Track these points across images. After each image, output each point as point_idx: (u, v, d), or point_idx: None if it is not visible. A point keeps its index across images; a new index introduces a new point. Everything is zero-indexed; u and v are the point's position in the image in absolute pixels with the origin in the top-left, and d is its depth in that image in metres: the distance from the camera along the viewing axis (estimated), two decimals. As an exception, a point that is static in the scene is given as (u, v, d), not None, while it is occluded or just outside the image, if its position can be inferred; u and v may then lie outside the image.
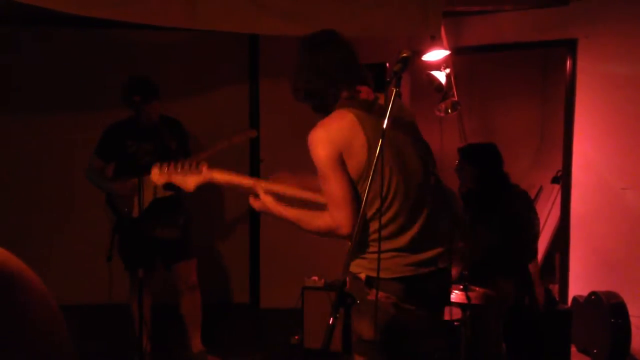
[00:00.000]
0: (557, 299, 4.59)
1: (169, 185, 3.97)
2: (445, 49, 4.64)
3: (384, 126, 1.94)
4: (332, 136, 2.24)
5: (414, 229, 2.31)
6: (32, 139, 5.38)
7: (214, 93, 5.52)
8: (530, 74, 6.53)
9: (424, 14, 3.87)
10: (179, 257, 4.14)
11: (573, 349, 4.23)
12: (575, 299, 4.46)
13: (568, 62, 4.75)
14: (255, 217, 5.61)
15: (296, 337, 4.51)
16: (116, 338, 4.25)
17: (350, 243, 2.36)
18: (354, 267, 2.31)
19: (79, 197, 5.28)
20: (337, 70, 2.32)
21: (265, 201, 2.44)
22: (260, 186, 2.48)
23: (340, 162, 2.23)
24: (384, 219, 2.26)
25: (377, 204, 2.25)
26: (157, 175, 2.68)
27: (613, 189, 4.57)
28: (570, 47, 4.71)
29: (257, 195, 2.48)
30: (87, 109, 5.33)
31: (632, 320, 4.03)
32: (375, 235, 2.23)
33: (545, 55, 6.25)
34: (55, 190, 5.44)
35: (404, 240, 2.29)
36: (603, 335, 4.06)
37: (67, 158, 5.31)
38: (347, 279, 2.36)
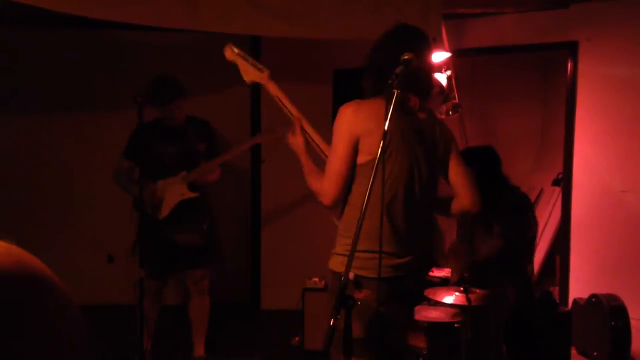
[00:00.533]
0: (558, 301, 4.59)
1: (193, 187, 3.99)
2: (446, 51, 4.64)
3: (385, 127, 1.97)
4: (359, 117, 2.34)
5: (400, 236, 2.42)
6: (32, 141, 5.38)
7: (215, 94, 5.53)
8: (532, 76, 6.53)
9: (424, 16, 3.87)
10: (197, 264, 4.14)
11: (573, 351, 4.23)
12: (575, 301, 4.46)
13: (569, 65, 4.76)
14: (256, 218, 5.61)
15: (297, 338, 4.51)
16: (119, 338, 4.23)
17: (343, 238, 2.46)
18: (337, 265, 2.39)
19: (78, 198, 5.29)
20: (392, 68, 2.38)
21: (299, 141, 2.59)
22: (301, 123, 2.63)
23: (354, 143, 2.34)
24: (373, 221, 2.30)
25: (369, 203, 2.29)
26: (229, 51, 2.77)
27: (614, 192, 4.57)
28: (571, 49, 4.71)
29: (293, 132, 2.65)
30: (88, 110, 5.34)
31: (633, 322, 4.03)
32: (363, 235, 2.26)
33: (546, 57, 6.25)
34: (56, 191, 5.43)
35: (386, 243, 2.35)
36: (603, 338, 4.06)
37: (67, 160, 5.31)
38: (330, 278, 2.47)
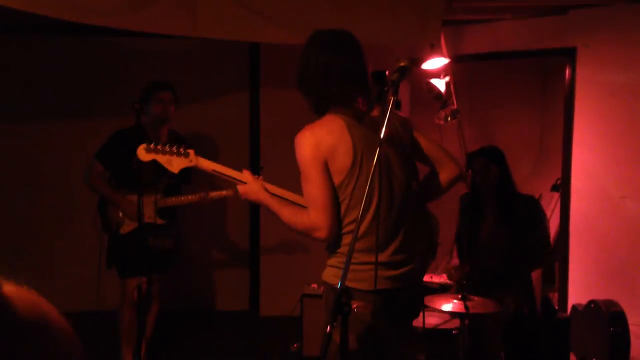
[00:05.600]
0: (557, 307, 4.59)
1: (162, 213, 3.94)
2: (445, 57, 4.66)
3: (381, 135, 1.96)
4: (318, 139, 2.26)
5: (393, 245, 2.36)
6: (32, 147, 5.39)
7: (214, 100, 5.54)
8: (530, 82, 6.54)
9: (423, 22, 3.89)
10: (169, 267, 4.10)
11: (572, 357, 4.22)
12: (574, 307, 4.45)
13: (567, 71, 4.76)
14: (255, 225, 5.61)
15: (295, 345, 4.50)
16: (106, 346, 4.18)
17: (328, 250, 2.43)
18: (331, 277, 2.34)
19: (77, 205, 5.27)
20: (342, 75, 2.32)
21: (254, 186, 2.45)
22: (248, 176, 2.50)
23: (324, 166, 2.25)
24: (364, 231, 2.29)
25: (355, 214, 2.24)
26: (144, 153, 2.57)
27: (612, 198, 4.57)
28: (569, 55, 4.72)
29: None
30: (85, 117, 5.35)
31: (632, 328, 4.02)
32: (354, 246, 2.22)
33: (544, 63, 6.26)
34: (55, 198, 5.43)
35: (383, 255, 2.31)
36: (602, 344, 4.05)
37: (66, 166, 5.31)
38: (324, 289, 2.41)
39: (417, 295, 2.55)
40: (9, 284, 0.63)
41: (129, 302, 3.88)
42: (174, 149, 2.56)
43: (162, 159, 2.56)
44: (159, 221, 3.90)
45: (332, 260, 2.39)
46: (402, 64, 2.05)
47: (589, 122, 4.68)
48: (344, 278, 1.97)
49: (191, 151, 2.55)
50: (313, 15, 3.85)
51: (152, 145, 2.57)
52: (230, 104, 5.58)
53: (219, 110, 5.54)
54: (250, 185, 2.47)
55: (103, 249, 3.99)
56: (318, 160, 2.24)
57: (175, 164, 2.56)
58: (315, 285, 4.43)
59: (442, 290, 4.18)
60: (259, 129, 5.52)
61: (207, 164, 2.56)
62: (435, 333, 3.34)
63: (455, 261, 4.03)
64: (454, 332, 3.30)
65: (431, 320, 3.50)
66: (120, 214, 3.87)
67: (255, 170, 5.43)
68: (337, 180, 2.26)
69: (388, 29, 3.95)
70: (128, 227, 3.86)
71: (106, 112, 5.03)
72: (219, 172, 2.53)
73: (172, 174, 3.98)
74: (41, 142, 5.38)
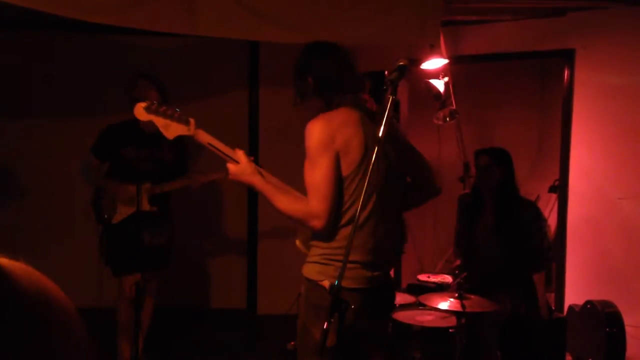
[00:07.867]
0: (553, 307, 4.60)
1: (154, 201, 3.95)
2: (444, 57, 4.67)
3: (380, 134, 1.97)
4: (333, 129, 2.26)
5: (377, 244, 2.39)
6: (31, 144, 5.39)
7: (213, 99, 5.54)
8: (528, 84, 6.56)
9: (422, 23, 3.90)
10: (164, 265, 4.12)
11: (568, 357, 4.24)
12: (570, 307, 4.47)
13: (565, 72, 4.78)
14: (253, 223, 5.62)
15: (292, 343, 4.51)
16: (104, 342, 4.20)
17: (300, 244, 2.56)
18: (315, 274, 2.37)
19: (76, 201, 5.27)
20: (342, 75, 2.38)
21: (247, 167, 2.37)
22: (242, 156, 2.43)
23: (335, 157, 2.24)
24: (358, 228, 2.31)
25: (352, 212, 2.28)
26: (142, 112, 2.39)
27: (609, 199, 4.59)
28: (567, 57, 4.74)
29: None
30: (83, 114, 5.34)
31: (627, 329, 4.04)
32: (344, 243, 2.20)
33: (543, 65, 6.28)
34: (57, 196, 5.44)
35: (367, 253, 2.36)
36: (598, 344, 4.07)
37: (65, 164, 5.31)
38: (305, 286, 2.46)
39: (392, 294, 2.68)
40: (4, 257, 0.60)
41: (126, 298, 3.89)
42: (175, 113, 2.40)
43: (159, 121, 2.39)
44: (148, 207, 3.85)
45: (315, 257, 2.39)
46: (400, 63, 2.06)
47: (587, 124, 4.69)
48: (341, 276, 1.98)
49: (192, 120, 2.42)
50: (312, 16, 3.86)
51: (153, 106, 2.40)
52: (230, 103, 5.58)
53: (218, 109, 5.54)
54: (243, 165, 2.38)
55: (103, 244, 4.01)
56: (330, 149, 2.23)
57: (172, 129, 2.41)
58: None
59: (439, 289, 4.19)
60: (258, 128, 5.53)
61: (204, 137, 2.42)
62: (431, 331, 3.35)
63: (458, 262, 4.05)
64: (450, 330, 3.31)
65: (427, 317, 3.51)
66: (118, 205, 3.89)
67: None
68: (346, 171, 2.26)
69: (387, 30, 3.96)
70: (120, 216, 3.88)
71: (104, 109, 5.03)
72: (214, 147, 2.42)
73: (166, 163, 4.00)
74: (40, 140, 5.39)
